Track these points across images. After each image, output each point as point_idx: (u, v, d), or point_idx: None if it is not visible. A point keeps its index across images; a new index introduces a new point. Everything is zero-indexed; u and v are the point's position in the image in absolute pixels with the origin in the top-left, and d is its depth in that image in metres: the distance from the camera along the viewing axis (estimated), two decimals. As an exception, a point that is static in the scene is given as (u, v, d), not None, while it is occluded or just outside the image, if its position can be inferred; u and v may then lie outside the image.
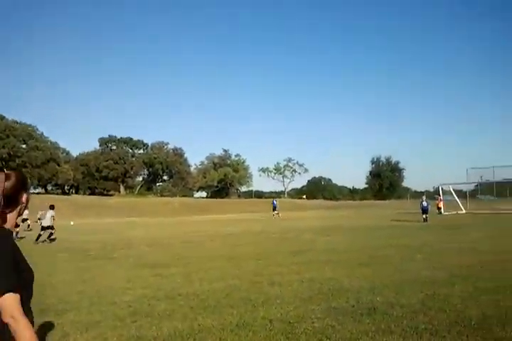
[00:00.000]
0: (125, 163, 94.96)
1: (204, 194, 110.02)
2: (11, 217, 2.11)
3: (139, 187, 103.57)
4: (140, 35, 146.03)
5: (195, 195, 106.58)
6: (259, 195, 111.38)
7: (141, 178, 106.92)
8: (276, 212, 41.89)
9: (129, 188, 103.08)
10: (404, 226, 23.12)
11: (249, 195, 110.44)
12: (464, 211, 42.44)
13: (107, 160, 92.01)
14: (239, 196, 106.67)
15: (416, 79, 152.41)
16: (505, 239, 14.81)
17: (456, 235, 16.85)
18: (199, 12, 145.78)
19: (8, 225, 2.08)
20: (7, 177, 2.10)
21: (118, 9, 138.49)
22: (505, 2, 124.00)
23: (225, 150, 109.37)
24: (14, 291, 1.91)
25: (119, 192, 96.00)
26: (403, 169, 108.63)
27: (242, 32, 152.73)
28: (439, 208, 39.61)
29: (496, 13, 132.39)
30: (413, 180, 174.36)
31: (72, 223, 35.90)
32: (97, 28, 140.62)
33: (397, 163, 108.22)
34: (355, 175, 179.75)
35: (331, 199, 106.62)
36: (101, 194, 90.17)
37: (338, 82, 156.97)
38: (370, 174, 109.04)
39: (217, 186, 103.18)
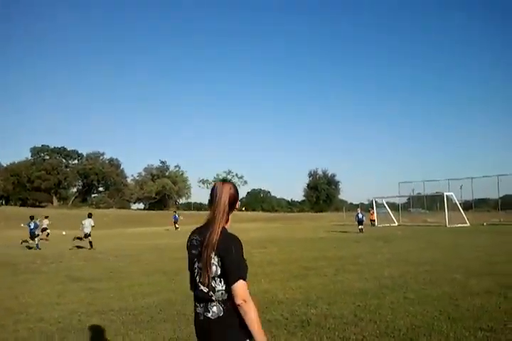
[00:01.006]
0: (58, 173, 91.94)
1: (141, 206, 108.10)
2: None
3: (73, 198, 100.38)
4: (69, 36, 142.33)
5: (132, 207, 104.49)
6: (199, 207, 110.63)
7: (75, 189, 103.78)
8: (177, 225, 41.51)
9: (63, 200, 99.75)
10: (339, 238, 23.62)
11: (188, 206, 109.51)
12: (396, 223, 43.95)
13: (39, 171, 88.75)
14: (178, 208, 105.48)
15: (348, 94, 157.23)
16: (433, 251, 15.43)
17: (388, 247, 17.39)
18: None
19: (227, 225, 2.59)
20: (230, 187, 2.63)
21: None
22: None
23: (162, 162, 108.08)
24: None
25: (52, 203, 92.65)
26: (339, 182, 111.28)
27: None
28: (372, 220, 40.97)
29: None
30: (349, 192, 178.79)
31: (64, 233, 34.27)
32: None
33: (334, 175, 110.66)
34: (293, 188, 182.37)
35: (269, 211, 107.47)
36: (33, 205, 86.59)
37: (280, 92, 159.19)
38: (308, 186, 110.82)
39: (155, 198, 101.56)
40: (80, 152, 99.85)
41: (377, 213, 43.14)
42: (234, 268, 2.39)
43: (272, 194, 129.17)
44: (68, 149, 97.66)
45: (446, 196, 41.36)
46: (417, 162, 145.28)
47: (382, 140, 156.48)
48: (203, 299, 2.47)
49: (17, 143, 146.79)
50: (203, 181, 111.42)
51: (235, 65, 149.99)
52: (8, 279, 10.93)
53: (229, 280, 2.39)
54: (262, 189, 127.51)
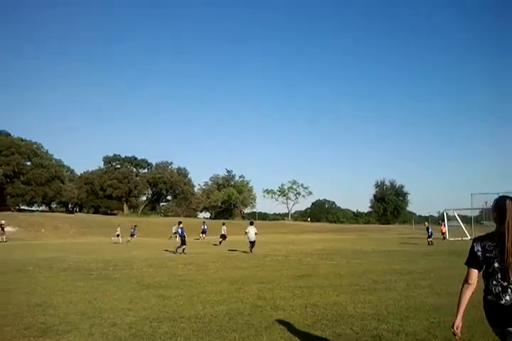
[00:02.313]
0: (129, 182, 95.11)
1: (208, 214, 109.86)
2: None
3: (142, 206, 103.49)
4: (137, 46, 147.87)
5: (198, 216, 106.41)
6: (263, 216, 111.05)
7: (144, 198, 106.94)
8: (203, 235, 39.81)
9: (133, 207, 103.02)
10: (408, 252, 22.92)
11: (253, 216, 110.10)
12: (468, 237, 42.04)
13: (111, 179, 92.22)
14: (243, 217, 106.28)
15: (420, 106, 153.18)
16: None
17: (461, 262, 16.62)
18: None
19: None
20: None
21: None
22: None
23: (228, 171, 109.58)
24: None
25: (123, 211, 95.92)
26: (407, 193, 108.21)
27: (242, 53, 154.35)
28: (443, 233, 39.48)
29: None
30: (417, 204, 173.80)
31: (129, 239, 35.99)
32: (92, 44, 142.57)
33: (402, 186, 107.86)
34: (359, 199, 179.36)
35: (334, 222, 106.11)
36: (105, 213, 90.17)
37: (343, 105, 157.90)
38: (374, 198, 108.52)
39: (221, 207, 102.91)
40: (149, 161, 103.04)
41: (448, 226, 41.52)
42: None
43: (337, 205, 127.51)
44: (138, 158, 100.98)
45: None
46: (491, 173, 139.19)
47: (452, 150, 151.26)
48: (498, 291, 3.19)
49: (91, 153, 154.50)
50: (268, 191, 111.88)
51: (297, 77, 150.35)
52: (81, 284, 11.36)
53: None
54: (327, 199, 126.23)
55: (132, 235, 37.48)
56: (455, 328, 3.42)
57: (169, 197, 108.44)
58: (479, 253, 3.30)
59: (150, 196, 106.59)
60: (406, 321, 6.68)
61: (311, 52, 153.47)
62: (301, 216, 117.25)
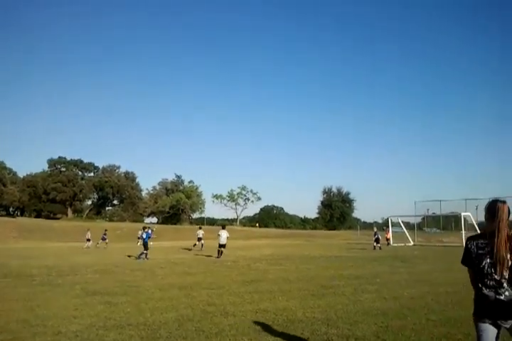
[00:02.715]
0: (74, 185, 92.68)
1: (155, 220, 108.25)
2: None
3: (87, 211, 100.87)
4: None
5: (145, 221, 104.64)
6: (212, 221, 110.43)
7: (90, 202, 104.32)
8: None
9: (77, 212, 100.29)
10: (354, 257, 23.36)
11: (202, 221, 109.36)
12: (411, 243, 43.41)
13: (55, 182, 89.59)
14: (191, 223, 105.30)
15: (366, 114, 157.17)
16: (452, 271, 15.15)
17: (406, 267, 17.16)
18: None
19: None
20: (508, 207, 3.60)
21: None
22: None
23: (177, 176, 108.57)
24: None
25: (67, 215, 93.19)
26: (354, 200, 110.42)
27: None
28: (387, 239, 40.60)
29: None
30: (363, 211, 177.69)
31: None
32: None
33: (348, 193, 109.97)
34: (306, 205, 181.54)
35: (282, 227, 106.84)
36: (47, 217, 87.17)
37: (294, 111, 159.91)
38: (322, 204, 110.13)
39: (168, 212, 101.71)
40: (96, 165, 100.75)
41: (392, 232, 42.67)
42: None
43: (285, 210, 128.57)
44: (85, 162, 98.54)
45: (463, 216, 40.83)
46: (434, 181, 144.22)
47: (397, 158, 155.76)
48: (492, 285, 3.44)
49: (34, 155, 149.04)
50: (217, 196, 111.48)
51: (253, 78, 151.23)
52: (23, 291, 10.89)
53: None
54: (276, 205, 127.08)
55: (104, 239, 36.05)
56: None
57: (115, 202, 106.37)
58: (473, 250, 3.61)
59: (96, 200, 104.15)
60: (355, 325, 6.76)
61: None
62: (250, 221, 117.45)
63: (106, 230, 37.64)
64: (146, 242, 22.60)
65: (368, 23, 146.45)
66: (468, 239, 3.72)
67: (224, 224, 26.48)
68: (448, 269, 16.24)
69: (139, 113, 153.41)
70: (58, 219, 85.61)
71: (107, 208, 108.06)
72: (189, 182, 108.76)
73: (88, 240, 34.89)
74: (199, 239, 30.87)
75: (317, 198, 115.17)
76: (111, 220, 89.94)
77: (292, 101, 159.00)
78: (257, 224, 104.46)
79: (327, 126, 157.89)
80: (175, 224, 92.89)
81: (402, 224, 47.06)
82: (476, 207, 50.05)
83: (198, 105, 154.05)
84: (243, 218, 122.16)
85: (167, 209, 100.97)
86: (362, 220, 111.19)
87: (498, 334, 3.49)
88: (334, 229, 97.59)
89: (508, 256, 3.40)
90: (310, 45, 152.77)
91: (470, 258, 3.63)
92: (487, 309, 3.47)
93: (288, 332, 6.36)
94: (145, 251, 21.97)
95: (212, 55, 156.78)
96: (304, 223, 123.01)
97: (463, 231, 39.67)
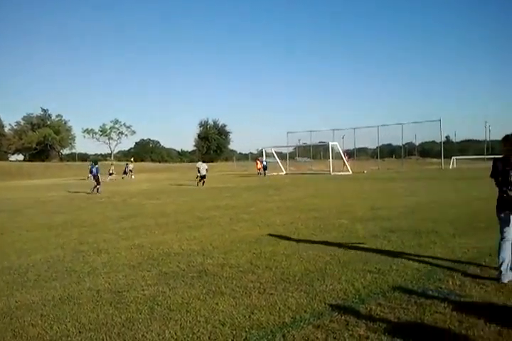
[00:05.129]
0: None
1: (21, 157, 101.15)
2: None
3: None
4: None
5: (10, 159, 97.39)
6: (84, 157, 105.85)
7: None
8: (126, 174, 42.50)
9: None
10: (229, 188, 23.89)
11: (73, 157, 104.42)
12: (284, 172, 45.45)
13: None
14: (61, 159, 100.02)
15: (241, 44, 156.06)
16: (320, 198, 16.15)
17: (279, 195, 17.93)
18: None
19: None
20: None
21: None
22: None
23: (44, 110, 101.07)
24: None
25: None
26: (230, 132, 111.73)
27: None
28: (259, 169, 42.12)
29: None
30: (239, 142, 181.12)
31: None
32: None
33: (224, 126, 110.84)
34: (183, 138, 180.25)
35: (159, 161, 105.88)
36: None
37: (169, 39, 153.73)
38: (198, 137, 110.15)
39: (36, 148, 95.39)
40: None
41: (266, 162, 44.11)
42: None
43: (162, 144, 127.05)
44: None
45: (331, 145, 43.22)
46: (305, 113, 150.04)
47: (272, 92, 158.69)
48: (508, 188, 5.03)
49: None
50: (88, 131, 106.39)
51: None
52: None
53: None
54: (152, 139, 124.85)
55: (125, 172, 43.11)
56: None
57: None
58: (499, 166, 5.10)
59: None
60: (230, 254, 6.92)
61: None
62: (125, 156, 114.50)
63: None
64: (96, 176, 22.69)
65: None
66: (494, 160, 5.23)
67: (203, 157, 28.74)
68: (315, 195, 17.29)
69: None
70: None
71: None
72: (57, 116, 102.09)
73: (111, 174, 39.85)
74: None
75: (194, 131, 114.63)
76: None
77: (168, 28, 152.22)
78: (132, 159, 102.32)
79: (204, 58, 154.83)
80: (43, 161, 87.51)
81: (275, 155, 48.83)
82: (343, 136, 53.44)
83: (65, 33, 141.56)
84: (118, 153, 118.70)
85: (34, 146, 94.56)
86: (238, 152, 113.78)
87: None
88: (211, 162, 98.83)
89: None
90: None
91: (496, 173, 5.12)
92: (507, 204, 5.06)
93: (163, 265, 6.33)
94: (98, 186, 22.27)
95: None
96: (181, 156, 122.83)
97: (330, 160, 42.25)
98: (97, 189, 22.14)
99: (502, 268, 5.01)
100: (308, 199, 15.61)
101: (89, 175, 23.32)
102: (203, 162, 27.67)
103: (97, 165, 23.50)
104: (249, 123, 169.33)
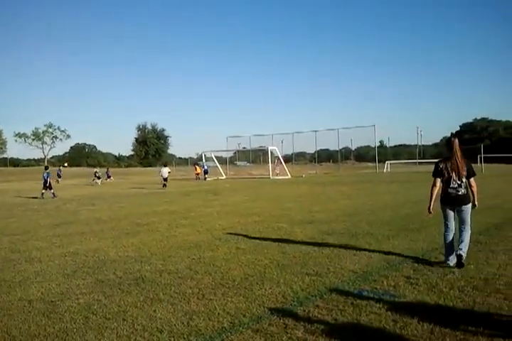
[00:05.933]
0: None
1: None
2: None
3: None
4: None
5: None
6: (16, 162, 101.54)
7: None
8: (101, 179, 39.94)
9: None
10: (167, 193, 23.63)
11: (4, 162, 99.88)
12: (224, 176, 45.39)
13: None
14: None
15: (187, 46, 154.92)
16: (260, 202, 16.28)
17: (218, 200, 17.90)
18: None
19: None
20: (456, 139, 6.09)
21: None
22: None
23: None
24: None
25: None
26: (169, 136, 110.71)
27: None
28: (197, 174, 42.06)
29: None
30: (178, 147, 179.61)
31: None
32: None
33: (163, 130, 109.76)
34: (120, 142, 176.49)
35: (95, 166, 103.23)
36: None
37: (107, 43, 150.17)
38: (136, 141, 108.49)
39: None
40: None
41: (206, 166, 43.91)
42: (472, 172, 5.91)
43: (98, 148, 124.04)
44: None
45: (270, 150, 43.67)
46: (247, 117, 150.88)
47: (213, 95, 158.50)
48: (454, 187, 5.87)
49: None
50: (20, 135, 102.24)
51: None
52: None
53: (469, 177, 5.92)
54: (87, 143, 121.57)
55: (109, 177, 43.23)
56: (430, 209, 6.08)
57: None
58: (441, 168, 5.92)
59: None
60: (168, 260, 6.82)
61: None
62: (59, 161, 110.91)
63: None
64: (47, 181, 23.03)
65: None
66: (438, 161, 6.08)
67: (166, 162, 35.68)
68: (254, 200, 17.40)
69: None
70: None
71: None
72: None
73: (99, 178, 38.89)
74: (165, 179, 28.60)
75: (132, 135, 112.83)
76: None
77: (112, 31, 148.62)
78: (66, 164, 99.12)
79: (145, 61, 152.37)
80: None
81: (215, 159, 48.75)
82: (282, 141, 54.16)
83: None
84: (52, 157, 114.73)
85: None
86: (177, 156, 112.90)
87: (454, 214, 6.02)
88: (150, 166, 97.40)
89: (464, 169, 5.81)
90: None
91: (440, 172, 5.91)
92: (449, 200, 5.95)
93: (99, 273, 6.16)
94: (51, 191, 22.68)
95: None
96: (118, 161, 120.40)
97: (269, 164, 42.66)
98: (53, 193, 22.63)
99: (447, 254, 6.01)
100: (248, 204, 15.68)
101: (48, 179, 23.07)
102: (165, 166, 29.46)
103: (47, 170, 23.96)
104: (188, 127, 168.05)
